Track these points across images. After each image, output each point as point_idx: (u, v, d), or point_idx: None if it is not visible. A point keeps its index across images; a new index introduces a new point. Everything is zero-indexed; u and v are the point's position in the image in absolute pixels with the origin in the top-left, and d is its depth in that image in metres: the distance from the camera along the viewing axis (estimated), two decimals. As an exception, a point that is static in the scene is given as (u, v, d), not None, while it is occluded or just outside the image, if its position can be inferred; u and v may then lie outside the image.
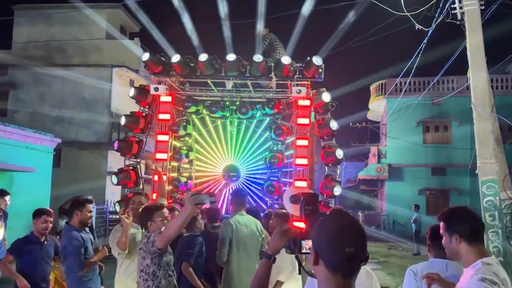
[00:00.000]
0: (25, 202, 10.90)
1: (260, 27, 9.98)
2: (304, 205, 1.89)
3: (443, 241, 2.72)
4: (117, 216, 11.43)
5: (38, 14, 21.00)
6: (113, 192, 17.80)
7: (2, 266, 5.32)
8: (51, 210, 5.53)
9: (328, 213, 1.93)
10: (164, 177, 8.12)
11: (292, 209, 2.53)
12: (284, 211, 5.17)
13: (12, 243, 5.41)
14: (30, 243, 5.31)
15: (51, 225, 5.37)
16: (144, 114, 8.58)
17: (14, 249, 5.32)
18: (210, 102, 8.38)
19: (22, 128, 13.40)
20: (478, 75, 7.18)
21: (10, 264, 5.29)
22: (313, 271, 1.71)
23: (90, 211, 4.98)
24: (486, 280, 2.35)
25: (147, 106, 8.59)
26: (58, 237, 5.82)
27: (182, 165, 8.58)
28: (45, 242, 5.38)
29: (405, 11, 8.77)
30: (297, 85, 7.96)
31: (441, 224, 2.74)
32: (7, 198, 7.67)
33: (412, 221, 18.25)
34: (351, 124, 29.35)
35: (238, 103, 8.28)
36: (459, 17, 7.61)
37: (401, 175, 25.83)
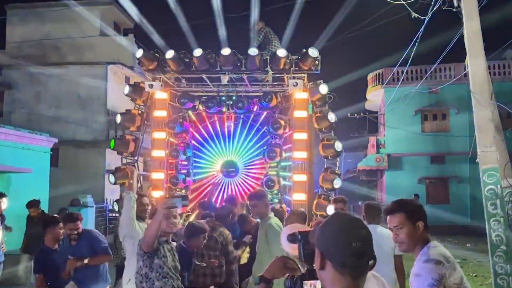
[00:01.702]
0: (23, 204, 10.83)
1: (254, 20, 9.88)
2: (302, 244, 1.80)
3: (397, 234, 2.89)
4: (117, 215, 11.38)
5: (30, 12, 20.83)
6: (112, 190, 17.74)
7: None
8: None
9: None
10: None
11: (290, 249, 2.43)
12: (302, 209, 5.17)
13: (34, 261, 5.53)
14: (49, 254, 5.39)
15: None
16: (139, 112, 8.50)
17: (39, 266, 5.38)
18: (206, 97, 8.30)
19: (17, 128, 13.31)
20: (476, 62, 7.08)
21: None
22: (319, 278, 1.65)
23: (61, 228, 5.33)
24: (429, 261, 2.64)
25: (143, 104, 8.51)
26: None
27: (179, 162, 8.50)
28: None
29: (401, -1, 8.67)
30: (294, 78, 7.89)
31: (399, 215, 2.88)
32: (4, 200, 7.61)
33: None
34: (349, 115, 29.28)
35: (234, 97, 8.19)
36: (455, 4, 7.50)
37: (400, 165, 25.81)
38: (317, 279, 1.69)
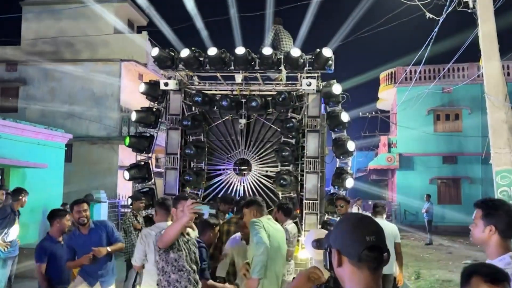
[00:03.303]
0: (38, 199, 11.02)
1: (269, 19, 9.93)
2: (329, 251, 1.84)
3: (472, 227, 2.72)
4: (128, 210, 11.51)
5: (45, 9, 21.04)
6: (124, 186, 17.92)
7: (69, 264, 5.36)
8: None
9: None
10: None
11: (315, 254, 2.49)
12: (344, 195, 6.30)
13: (36, 249, 5.45)
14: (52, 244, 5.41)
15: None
16: (154, 109, 8.61)
17: (41, 254, 5.35)
18: (220, 95, 8.36)
19: (33, 124, 13.48)
20: (491, 64, 7.08)
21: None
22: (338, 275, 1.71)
23: (68, 220, 5.42)
24: None
25: (157, 101, 8.61)
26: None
27: (193, 160, 8.57)
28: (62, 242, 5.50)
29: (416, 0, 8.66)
30: (307, 77, 7.93)
31: (477, 211, 2.72)
32: (26, 197, 7.75)
33: (424, 210, 18.16)
34: (360, 113, 29.20)
35: (248, 96, 8.25)
36: (471, 5, 7.50)
37: (412, 164, 25.71)
38: (341, 286, 1.74)
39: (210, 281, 4.70)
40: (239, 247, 5.29)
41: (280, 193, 8.09)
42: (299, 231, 7.01)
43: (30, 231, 10.51)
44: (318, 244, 1.98)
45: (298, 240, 6.73)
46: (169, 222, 4.81)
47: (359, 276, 1.63)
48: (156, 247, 4.05)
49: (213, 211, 3.84)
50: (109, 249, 5.26)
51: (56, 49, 21.09)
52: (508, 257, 2.51)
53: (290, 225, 6.00)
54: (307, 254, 6.81)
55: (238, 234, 5.47)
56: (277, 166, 8.23)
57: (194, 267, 4.18)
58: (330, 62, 7.90)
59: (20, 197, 7.62)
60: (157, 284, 4.11)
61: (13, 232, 7.59)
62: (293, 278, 5.76)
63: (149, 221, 7.42)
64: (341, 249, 1.67)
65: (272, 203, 7.87)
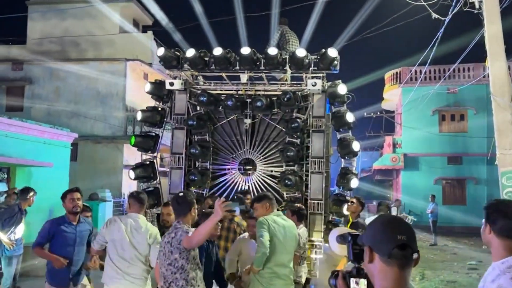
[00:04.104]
0: (44, 198, 11.04)
1: (274, 19, 9.93)
2: (352, 244, 1.98)
3: (481, 229, 2.74)
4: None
5: (51, 9, 21.13)
6: (129, 185, 17.97)
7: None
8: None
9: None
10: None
11: (339, 249, 2.64)
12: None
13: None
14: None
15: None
16: (159, 109, 8.64)
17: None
18: (225, 95, 8.38)
19: (39, 123, 13.54)
20: (497, 65, 7.06)
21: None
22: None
23: (79, 199, 5.26)
24: None
25: (163, 101, 8.65)
26: None
27: (198, 160, 8.60)
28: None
29: (422, 0, 8.65)
30: (312, 77, 7.93)
31: (484, 212, 2.73)
32: (31, 194, 7.77)
33: (430, 211, 18.11)
34: (365, 114, 29.16)
35: (253, 96, 8.26)
36: (477, 6, 7.48)
37: (416, 165, 25.64)
38: (363, 277, 1.90)
39: None
40: (247, 245, 5.47)
41: (285, 193, 8.10)
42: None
43: (36, 230, 10.53)
44: (342, 239, 2.11)
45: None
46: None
47: (389, 272, 1.73)
48: (180, 247, 3.95)
49: (243, 207, 3.90)
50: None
51: (62, 48, 21.19)
52: (511, 260, 2.45)
53: (302, 229, 6.06)
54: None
55: (246, 234, 5.69)
56: (282, 166, 8.24)
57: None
58: (335, 62, 7.90)
59: (28, 197, 7.66)
60: (170, 282, 4.00)
61: (19, 231, 7.64)
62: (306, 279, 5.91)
63: (157, 219, 7.45)
64: (373, 247, 1.77)
65: (276, 203, 7.87)
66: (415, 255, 1.75)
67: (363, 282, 1.90)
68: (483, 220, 2.69)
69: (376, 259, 1.76)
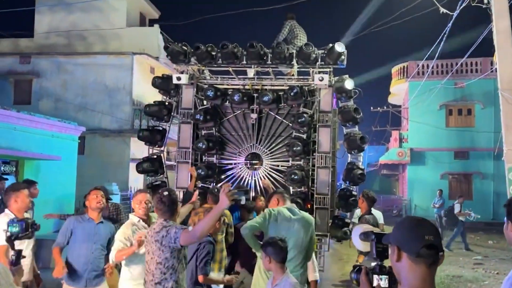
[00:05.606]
0: (52, 191, 11.17)
1: (281, 13, 9.91)
2: (375, 243, 2.07)
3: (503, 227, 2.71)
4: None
5: (58, 2, 21.18)
6: (136, 179, 18.08)
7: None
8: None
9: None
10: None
11: (362, 246, 2.68)
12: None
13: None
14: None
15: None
16: (166, 103, 8.68)
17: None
18: (232, 90, 8.39)
19: (47, 117, 13.62)
20: (505, 60, 7.03)
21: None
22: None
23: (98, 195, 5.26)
24: None
25: (170, 95, 8.68)
26: None
27: (205, 154, 8.63)
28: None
29: (430, -6, 8.61)
30: (319, 72, 7.93)
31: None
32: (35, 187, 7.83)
33: (438, 205, 18.03)
34: (372, 108, 29.09)
35: (260, 90, 8.27)
36: (485, 1, 7.43)
37: (423, 159, 25.58)
38: (384, 274, 2.02)
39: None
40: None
41: (291, 187, 8.12)
42: None
43: (44, 224, 10.63)
44: (365, 236, 2.22)
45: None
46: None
47: (416, 270, 1.83)
48: (174, 246, 3.77)
49: (248, 196, 3.81)
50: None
51: (69, 42, 21.26)
52: None
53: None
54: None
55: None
56: (288, 161, 8.25)
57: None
58: (342, 57, 7.89)
59: (32, 189, 7.72)
60: (156, 283, 3.83)
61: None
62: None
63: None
64: (401, 246, 1.87)
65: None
66: (440, 254, 1.85)
67: (385, 279, 2.00)
68: (505, 218, 2.63)
69: (404, 258, 1.86)
